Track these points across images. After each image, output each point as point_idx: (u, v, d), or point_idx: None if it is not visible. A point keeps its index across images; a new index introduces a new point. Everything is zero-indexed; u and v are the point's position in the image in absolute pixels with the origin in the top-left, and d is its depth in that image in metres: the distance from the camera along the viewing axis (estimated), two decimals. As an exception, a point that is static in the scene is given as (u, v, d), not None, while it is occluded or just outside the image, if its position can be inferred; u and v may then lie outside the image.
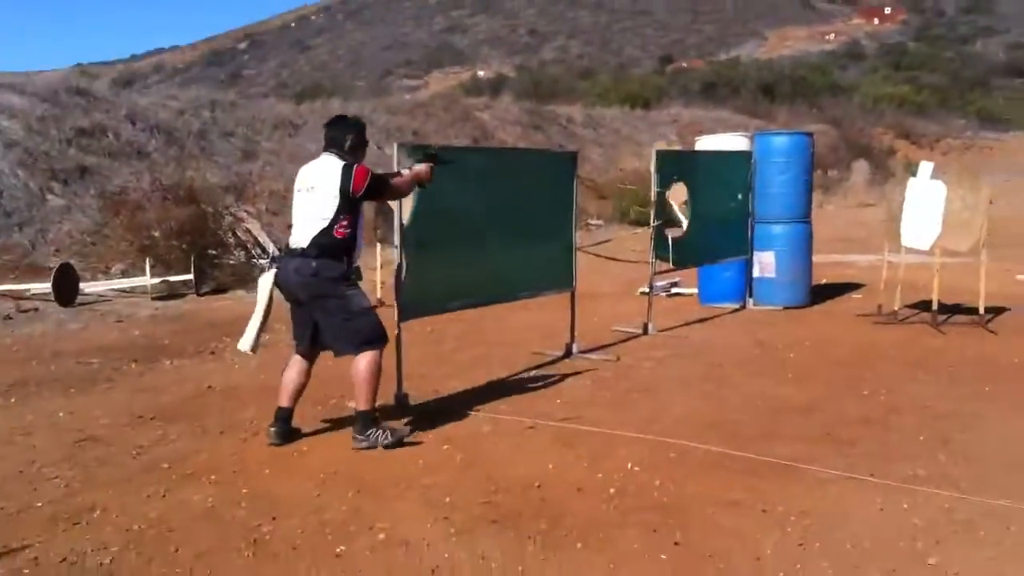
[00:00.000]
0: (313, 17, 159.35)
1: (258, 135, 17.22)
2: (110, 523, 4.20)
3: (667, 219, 9.18)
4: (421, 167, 5.67)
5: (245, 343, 5.57)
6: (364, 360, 5.23)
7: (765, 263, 10.05)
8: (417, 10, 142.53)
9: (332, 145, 5.37)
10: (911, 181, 9.29)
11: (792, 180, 10.04)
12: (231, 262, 12.61)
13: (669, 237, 9.05)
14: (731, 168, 10.06)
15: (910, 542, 3.91)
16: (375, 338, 5.29)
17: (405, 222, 6.06)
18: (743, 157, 10.18)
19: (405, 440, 5.30)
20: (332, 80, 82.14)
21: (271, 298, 5.51)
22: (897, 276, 9.25)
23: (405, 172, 5.64)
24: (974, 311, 9.01)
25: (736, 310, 10.08)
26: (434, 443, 5.33)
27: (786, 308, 9.95)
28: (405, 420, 5.78)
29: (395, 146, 6.09)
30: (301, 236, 5.24)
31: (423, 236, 6.16)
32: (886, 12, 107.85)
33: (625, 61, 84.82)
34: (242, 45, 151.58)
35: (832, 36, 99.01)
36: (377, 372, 5.31)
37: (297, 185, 5.40)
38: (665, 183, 9.01)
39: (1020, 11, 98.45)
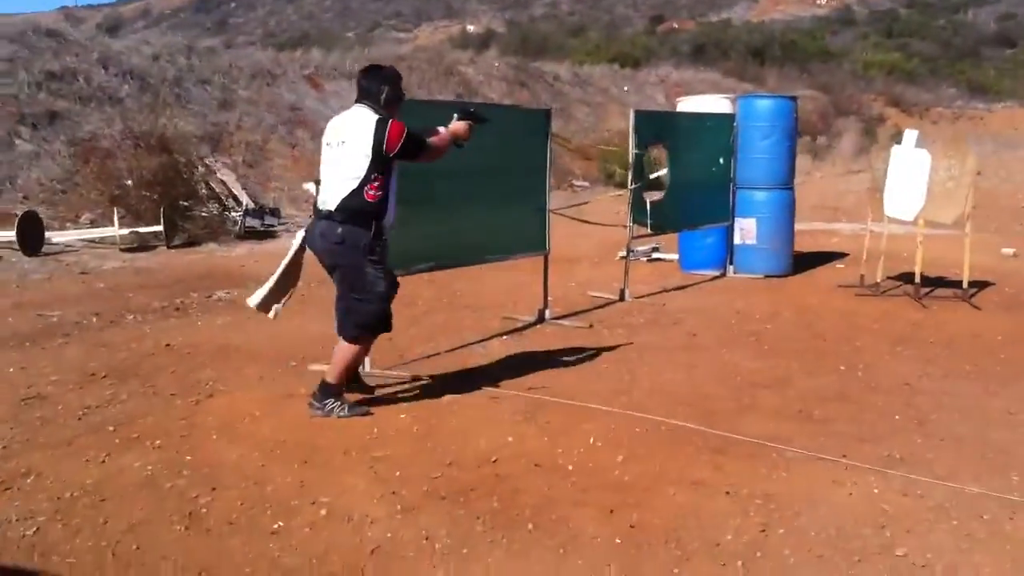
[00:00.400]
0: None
1: (235, 83, 16.81)
2: (42, 489, 3.99)
3: (650, 181, 8.95)
4: (460, 125, 5.26)
5: (253, 299, 5.34)
6: (355, 342, 5.04)
7: (746, 230, 9.83)
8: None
9: (365, 97, 4.98)
10: (895, 149, 9.06)
11: (775, 145, 9.79)
12: (204, 214, 12.32)
13: (648, 201, 8.83)
14: (713, 131, 9.79)
15: (878, 530, 3.74)
16: (375, 326, 5.06)
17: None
18: (726, 120, 9.92)
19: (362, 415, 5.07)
20: (320, 30, 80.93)
21: (295, 261, 5.27)
22: (880, 246, 9.04)
23: (442, 130, 5.22)
24: (958, 284, 8.82)
25: (716, 277, 9.87)
26: (391, 412, 5.12)
27: (767, 276, 9.74)
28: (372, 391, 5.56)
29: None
30: (329, 196, 4.91)
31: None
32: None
33: (616, 19, 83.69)
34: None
35: (823, 1, 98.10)
36: (362, 357, 5.16)
37: (326, 138, 5.05)
38: (644, 145, 8.78)
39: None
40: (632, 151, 8.63)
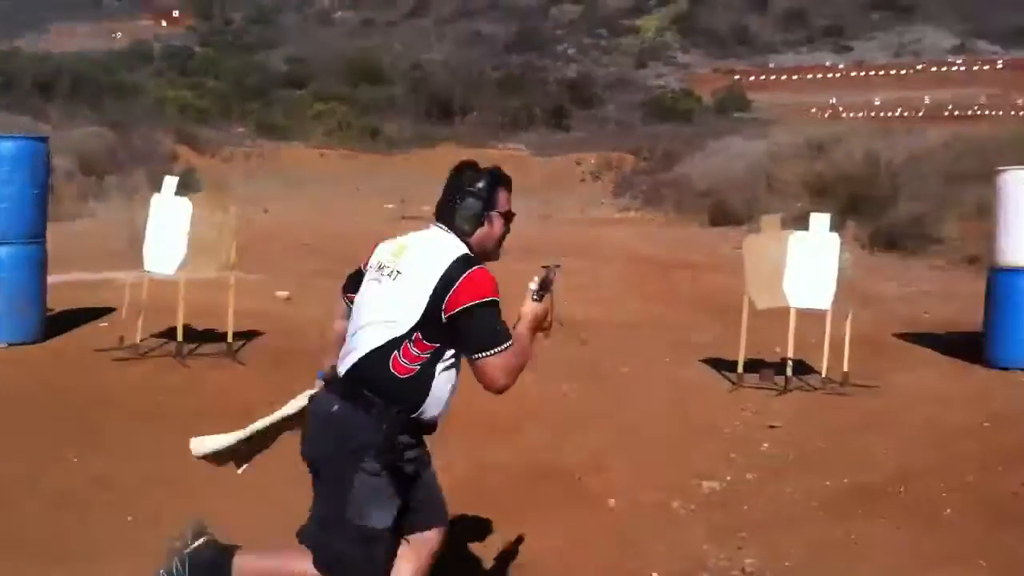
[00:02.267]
0: None
1: None
2: None
3: None
4: (536, 307, 3.10)
5: (199, 445, 3.60)
6: None
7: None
8: None
9: (447, 215, 3.16)
10: (155, 197, 8.53)
11: (18, 193, 8.47)
12: None
13: None
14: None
15: None
16: None
17: None
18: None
19: None
20: None
21: (289, 417, 3.40)
22: (141, 300, 8.25)
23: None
24: (226, 337, 8.37)
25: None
26: None
27: (11, 345, 8.34)
28: None
29: None
30: (353, 349, 3.07)
31: None
32: (174, 15, 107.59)
33: None
34: None
35: (119, 35, 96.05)
36: None
37: (379, 257, 3.18)
38: None
39: (299, 25, 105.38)
40: None
